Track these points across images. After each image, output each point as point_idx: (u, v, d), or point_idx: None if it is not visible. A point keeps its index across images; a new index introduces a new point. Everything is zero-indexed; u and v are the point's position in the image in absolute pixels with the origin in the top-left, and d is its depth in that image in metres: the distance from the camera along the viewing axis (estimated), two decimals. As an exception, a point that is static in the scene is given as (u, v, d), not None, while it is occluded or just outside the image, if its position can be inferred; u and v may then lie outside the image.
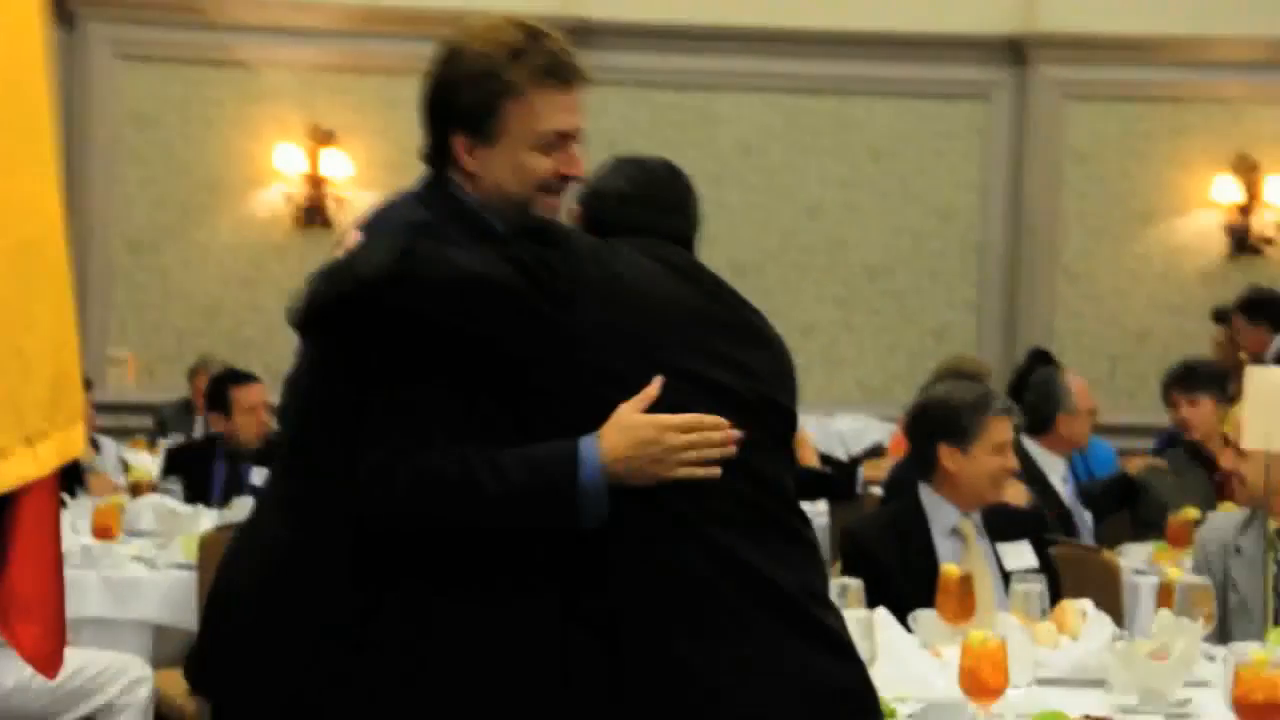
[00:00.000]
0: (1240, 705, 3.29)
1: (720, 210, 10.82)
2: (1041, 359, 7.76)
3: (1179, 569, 4.40)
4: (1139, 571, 5.52)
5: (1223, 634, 4.26)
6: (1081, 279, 10.82)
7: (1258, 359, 7.34)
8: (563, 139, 2.68)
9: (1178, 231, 10.77)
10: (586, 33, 10.57)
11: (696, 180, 10.77)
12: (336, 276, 2.55)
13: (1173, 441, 7.32)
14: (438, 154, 2.70)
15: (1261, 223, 10.59)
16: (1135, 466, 7.38)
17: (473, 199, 2.68)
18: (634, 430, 2.52)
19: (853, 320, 10.86)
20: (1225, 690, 3.32)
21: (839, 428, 10.12)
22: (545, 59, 2.66)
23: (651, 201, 2.86)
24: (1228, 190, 10.63)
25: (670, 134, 10.77)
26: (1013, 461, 4.35)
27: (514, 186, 2.66)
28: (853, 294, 10.82)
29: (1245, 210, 10.62)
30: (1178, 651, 3.58)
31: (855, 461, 8.39)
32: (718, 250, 10.82)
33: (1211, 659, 3.77)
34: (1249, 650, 3.46)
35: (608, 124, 10.78)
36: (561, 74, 2.67)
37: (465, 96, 2.65)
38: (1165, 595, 4.17)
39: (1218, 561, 4.47)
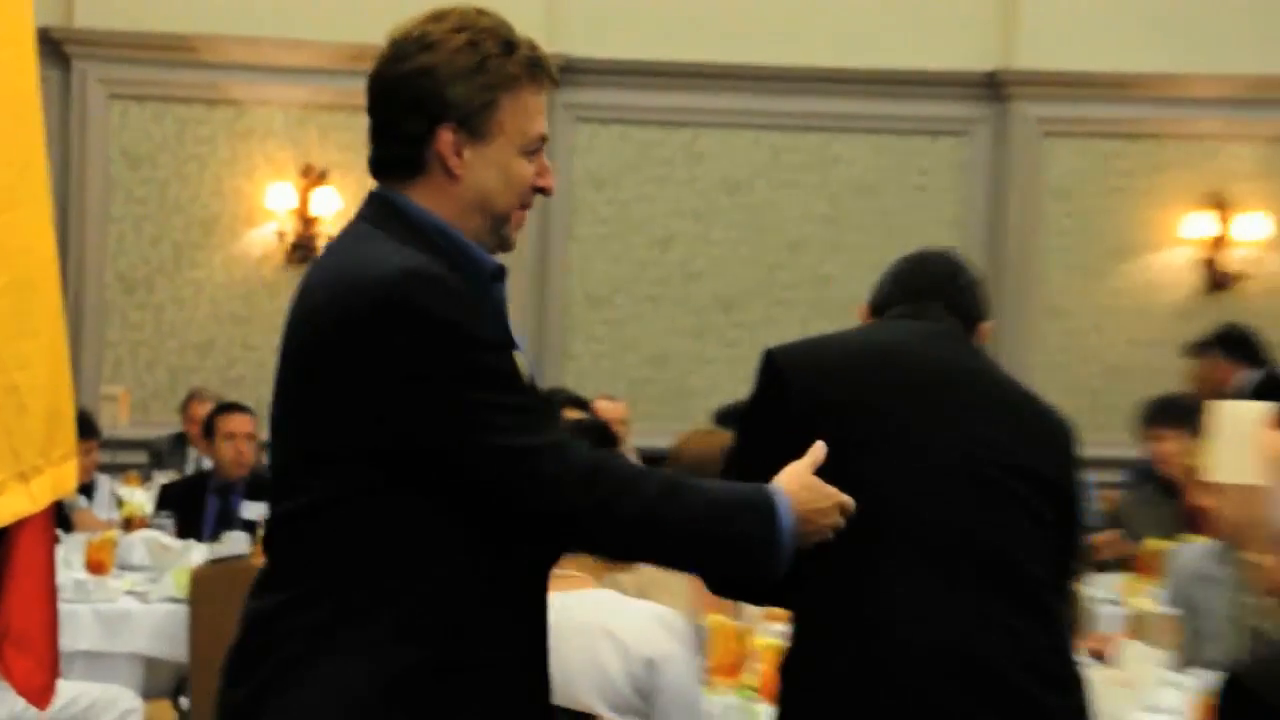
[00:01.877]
0: (1199, 730, 3.36)
1: (705, 245, 10.90)
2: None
3: (1147, 599, 4.45)
4: (1107, 601, 5.57)
5: (1189, 661, 4.33)
6: (1059, 314, 10.88)
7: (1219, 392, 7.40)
8: (541, 146, 2.47)
9: (1152, 267, 10.84)
10: (571, 70, 10.65)
11: (682, 217, 10.98)
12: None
13: (1146, 475, 7.38)
14: (411, 156, 2.40)
15: (1232, 259, 10.67)
16: (1111, 500, 7.45)
17: (439, 222, 2.40)
18: (816, 492, 2.44)
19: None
20: (1188, 717, 3.39)
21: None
22: (532, 54, 2.46)
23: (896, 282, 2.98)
24: (1201, 227, 10.71)
25: (656, 171, 10.85)
26: None
27: (500, 193, 2.42)
28: (837, 328, 10.82)
29: (1217, 246, 10.69)
30: (1139, 678, 3.65)
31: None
32: (703, 285, 10.93)
33: (1175, 687, 3.84)
34: (1210, 677, 3.52)
35: (594, 161, 10.87)
36: (548, 73, 2.49)
37: (459, 87, 2.38)
38: (1133, 624, 4.25)
39: (1189, 590, 4.53)
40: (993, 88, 10.78)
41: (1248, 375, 8.33)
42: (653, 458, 8.03)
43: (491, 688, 2.34)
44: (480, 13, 2.43)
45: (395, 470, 2.29)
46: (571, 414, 5.86)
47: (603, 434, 3.36)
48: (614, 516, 2.31)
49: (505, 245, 2.47)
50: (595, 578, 3.25)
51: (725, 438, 4.36)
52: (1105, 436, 9.85)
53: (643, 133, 10.85)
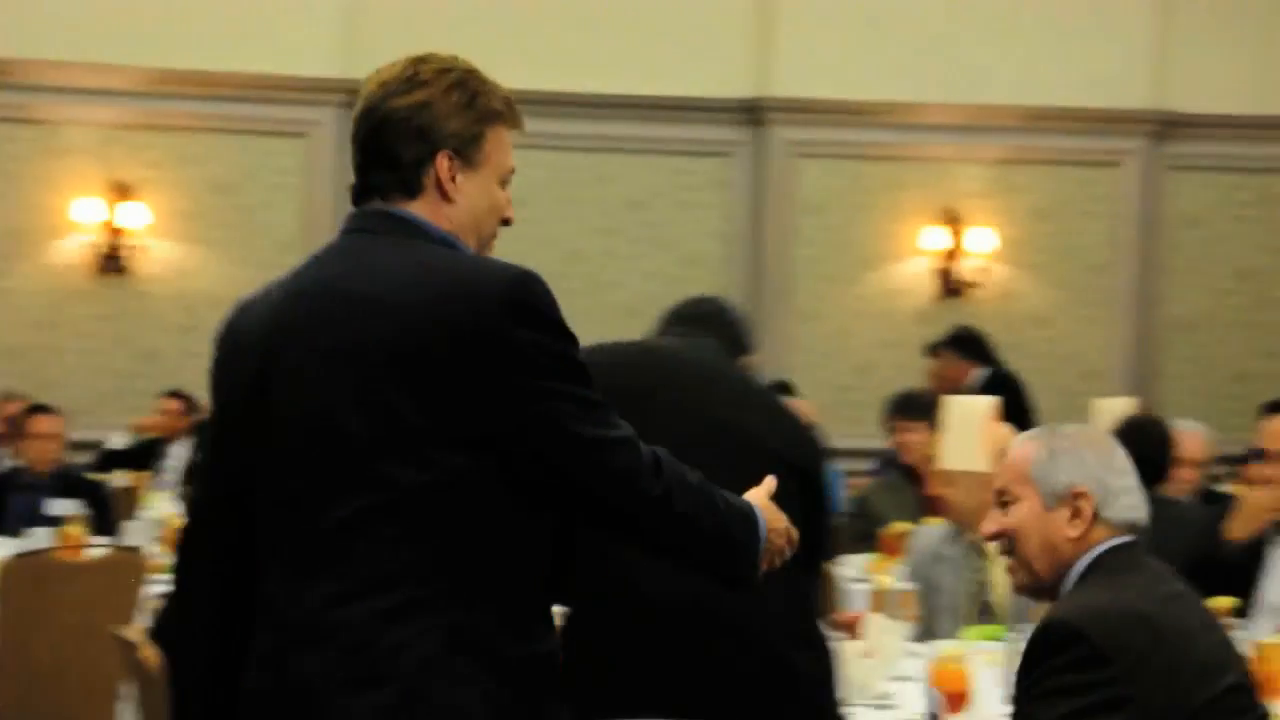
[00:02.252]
0: (945, 695, 3.40)
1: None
2: (781, 389, 7.91)
3: (889, 576, 4.51)
4: (855, 579, 5.64)
5: (927, 633, 4.40)
6: (812, 318, 11.02)
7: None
8: (509, 178, 2.49)
9: (894, 276, 11.04)
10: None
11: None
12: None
13: (890, 463, 7.51)
14: (409, 180, 2.38)
15: (964, 269, 10.92)
16: (858, 487, 7.56)
17: (453, 238, 2.40)
18: (776, 515, 2.45)
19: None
20: (924, 682, 3.43)
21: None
22: (507, 95, 2.48)
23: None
24: (936, 239, 10.94)
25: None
26: None
27: (486, 217, 2.44)
28: (612, 332, 10.81)
29: (951, 257, 10.93)
30: (883, 649, 3.69)
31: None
32: (489, 293, 10.86)
33: (915, 655, 3.89)
34: (944, 647, 3.58)
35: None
36: (518, 114, 2.50)
37: (456, 119, 2.40)
38: (877, 600, 4.30)
39: (926, 568, 4.60)
40: (751, 113, 10.89)
41: (978, 373, 8.54)
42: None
43: (557, 676, 2.35)
44: (454, 58, 2.45)
45: (489, 461, 2.25)
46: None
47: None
48: (670, 509, 2.32)
49: None
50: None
51: None
52: (854, 429, 10.02)
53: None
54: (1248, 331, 10.99)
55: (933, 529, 4.76)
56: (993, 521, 2.83)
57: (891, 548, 5.78)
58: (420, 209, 2.39)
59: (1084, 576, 2.73)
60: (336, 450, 2.28)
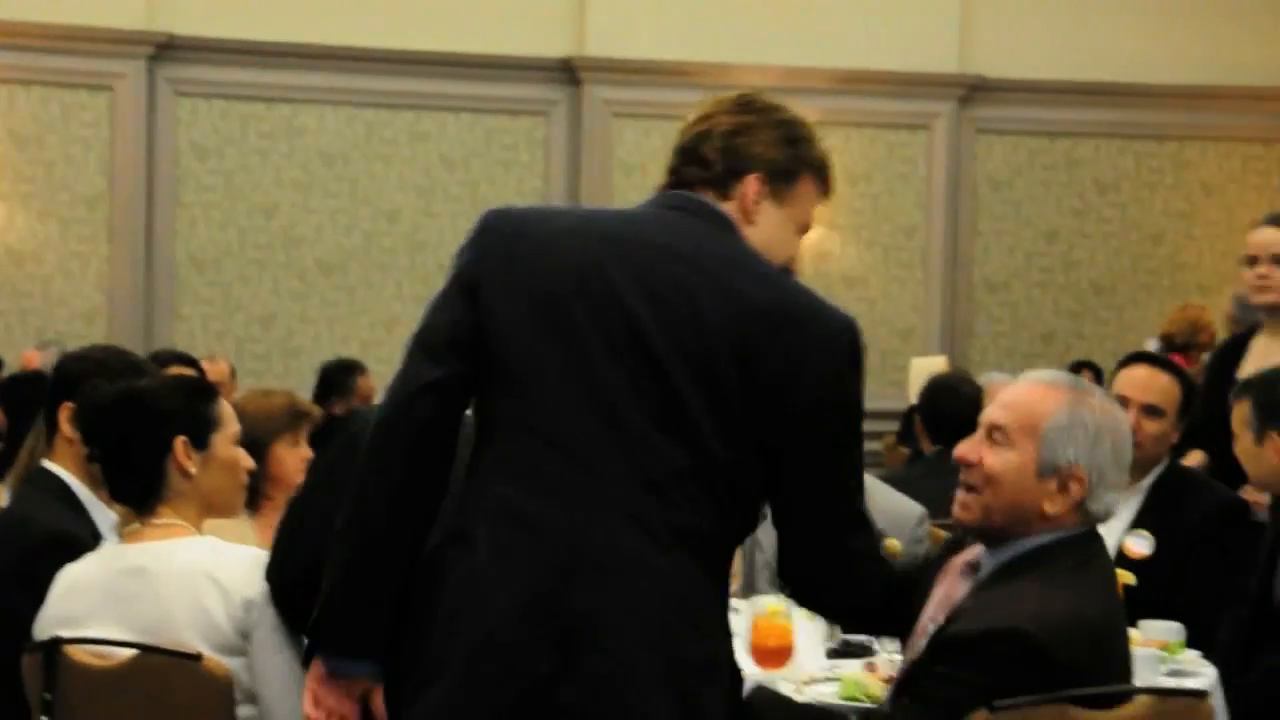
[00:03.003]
0: (756, 650, 3.41)
1: (306, 214, 10.64)
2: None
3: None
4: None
5: (749, 589, 4.40)
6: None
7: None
8: (803, 235, 2.62)
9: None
10: (174, 47, 10.25)
11: (284, 187, 10.60)
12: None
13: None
14: (709, 179, 2.52)
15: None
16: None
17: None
18: None
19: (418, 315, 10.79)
20: (745, 638, 3.43)
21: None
22: (825, 155, 2.62)
23: None
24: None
25: (259, 144, 10.53)
26: None
27: (776, 252, 2.54)
28: (431, 291, 10.65)
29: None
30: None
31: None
32: (305, 251, 10.67)
33: (736, 611, 3.89)
34: (765, 602, 3.58)
35: (197, 134, 10.49)
36: (830, 180, 2.63)
37: (775, 151, 2.54)
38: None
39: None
40: (568, 72, 10.82)
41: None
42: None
43: None
44: (793, 112, 2.61)
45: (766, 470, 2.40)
46: (179, 371, 5.62)
47: (203, 388, 3.21)
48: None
49: None
50: (195, 527, 3.10)
51: (283, 398, 4.26)
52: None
53: (246, 108, 10.51)
54: (1055, 291, 11.25)
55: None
56: (974, 450, 2.66)
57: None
58: (729, 213, 2.51)
59: (1039, 556, 2.61)
60: (656, 392, 2.35)
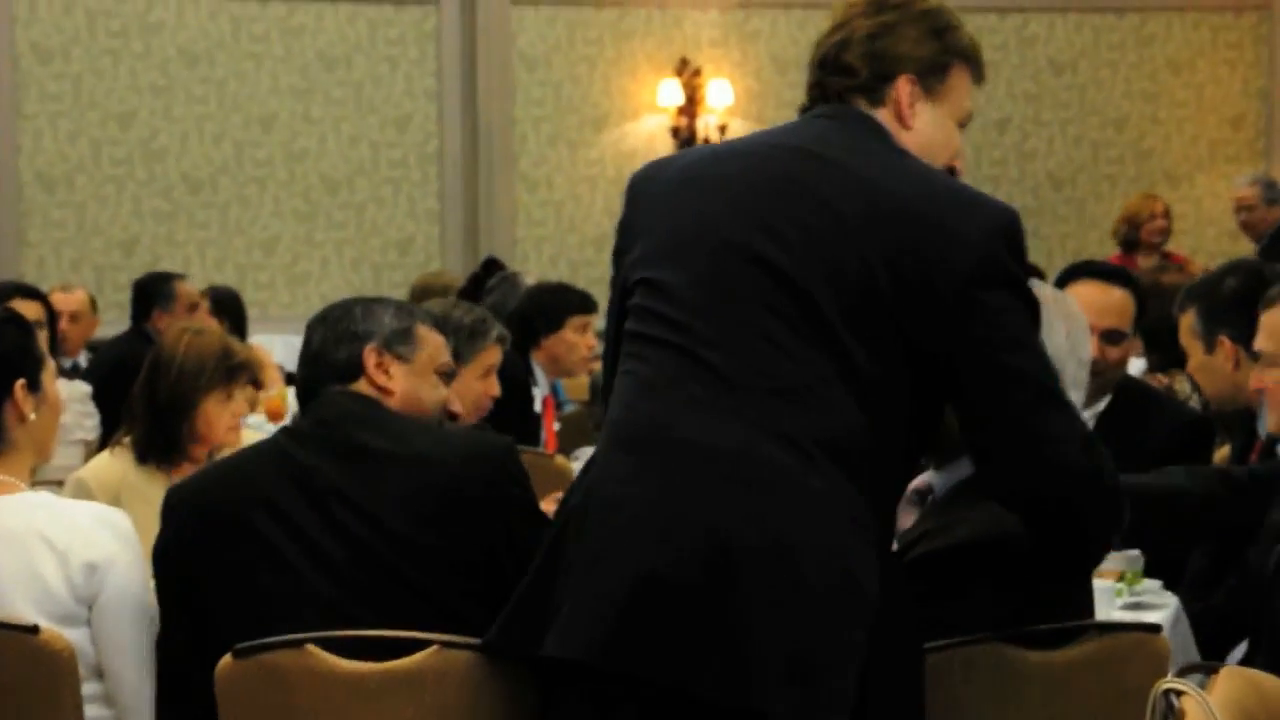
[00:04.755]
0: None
1: (168, 123, 10.48)
2: (494, 267, 7.83)
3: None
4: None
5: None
6: (540, 186, 10.95)
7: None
8: (964, 128, 2.72)
9: (629, 136, 11.02)
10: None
11: (138, 93, 10.47)
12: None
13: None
14: (857, 86, 2.62)
15: (705, 126, 10.95)
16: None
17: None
18: None
19: (314, 235, 10.71)
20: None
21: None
22: (972, 38, 2.71)
23: None
24: (670, 94, 10.93)
25: (109, 43, 10.35)
26: (496, 388, 4.36)
27: (939, 153, 2.66)
28: (313, 207, 10.67)
29: (689, 114, 10.94)
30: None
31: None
32: (169, 164, 10.51)
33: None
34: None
35: (37, 32, 10.28)
36: (982, 64, 2.73)
37: (922, 47, 2.64)
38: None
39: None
40: (459, -46, 10.70)
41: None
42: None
43: None
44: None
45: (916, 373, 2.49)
46: (23, 306, 5.52)
47: (24, 322, 3.14)
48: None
49: None
50: (26, 481, 3.04)
51: (216, 342, 4.15)
52: (586, 306, 10.02)
53: (92, 1, 10.31)
54: (1007, 186, 11.28)
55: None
56: None
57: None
58: (884, 119, 2.62)
59: None
60: (807, 304, 2.46)
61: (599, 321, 8.32)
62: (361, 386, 3.01)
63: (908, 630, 2.50)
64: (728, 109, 10.92)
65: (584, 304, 6.29)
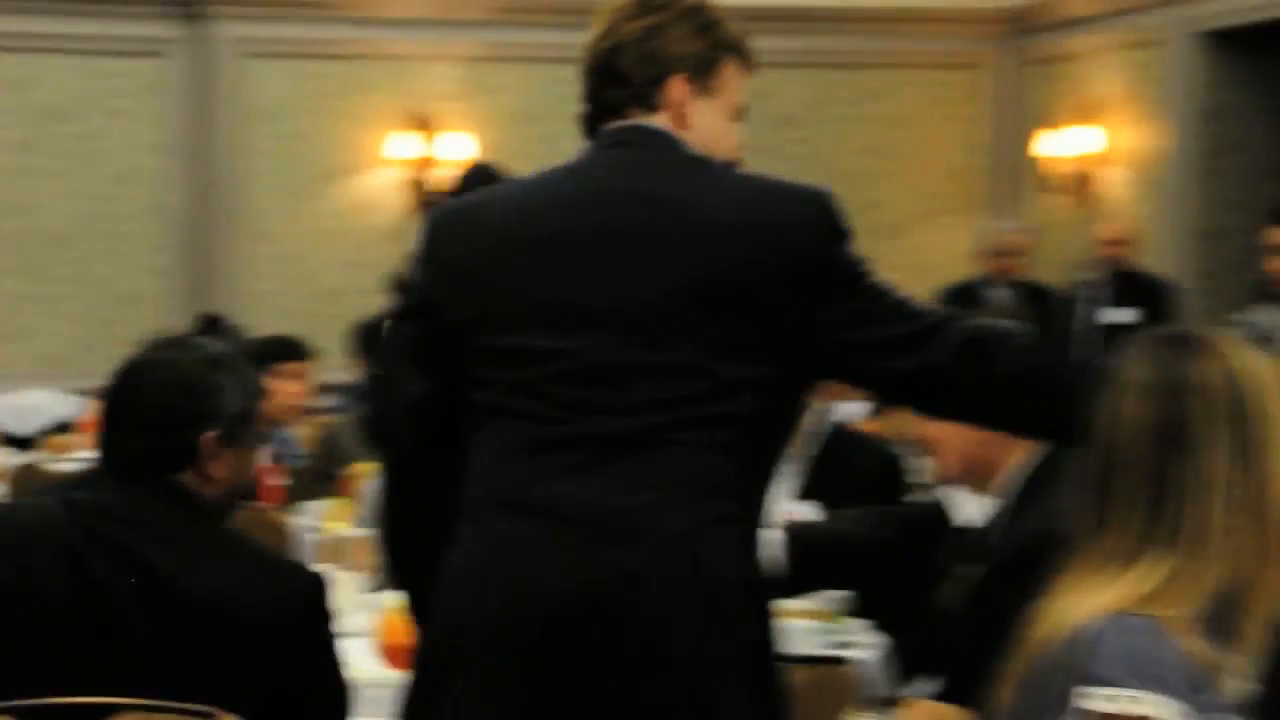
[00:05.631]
0: (386, 648, 3.50)
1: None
2: (212, 325, 7.82)
3: (342, 523, 4.56)
4: (310, 529, 5.66)
5: (387, 582, 4.48)
6: (270, 239, 10.92)
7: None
8: (741, 119, 2.69)
9: (361, 189, 11.05)
10: None
11: None
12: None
13: (360, 397, 7.54)
14: (647, 96, 2.61)
15: (438, 179, 11.03)
16: (323, 425, 7.58)
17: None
18: None
19: (36, 290, 10.55)
20: (375, 636, 3.52)
21: (25, 403, 9.85)
22: (741, 29, 2.68)
23: None
24: (406, 147, 11.00)
25: None
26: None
27: (717, 150, 2.63)
28: (33, 263, 10.52)
29: (423, 166, 11.02)
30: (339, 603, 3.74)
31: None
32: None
33: (369, 608, 3.97)
34: (395, 597, 3.66)
35: None
36: (750, 54, 2.70)
37: (691, 44, 2.61)
38: (327, 550, 4.36)
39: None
40: (188, 6, 10.65)
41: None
42: None
43: None
44: None
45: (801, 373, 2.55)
46: None
47: None
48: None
49: None
50: None
51: None
52: (320, 361, 10.02)
53: None
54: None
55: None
56: None
57: (350, 491, 5.83)
58: (663, 124, 2.61)
59: None
60: (663, 348, 2.49)
61: (318, 370, 8.40)
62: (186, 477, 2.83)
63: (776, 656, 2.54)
64: (465, 163, 11.01)
65: (285, 351, 6.32)
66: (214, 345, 3.02)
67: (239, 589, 2.73)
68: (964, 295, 9.04)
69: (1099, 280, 9.71)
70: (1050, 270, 10.81)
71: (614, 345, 2.51)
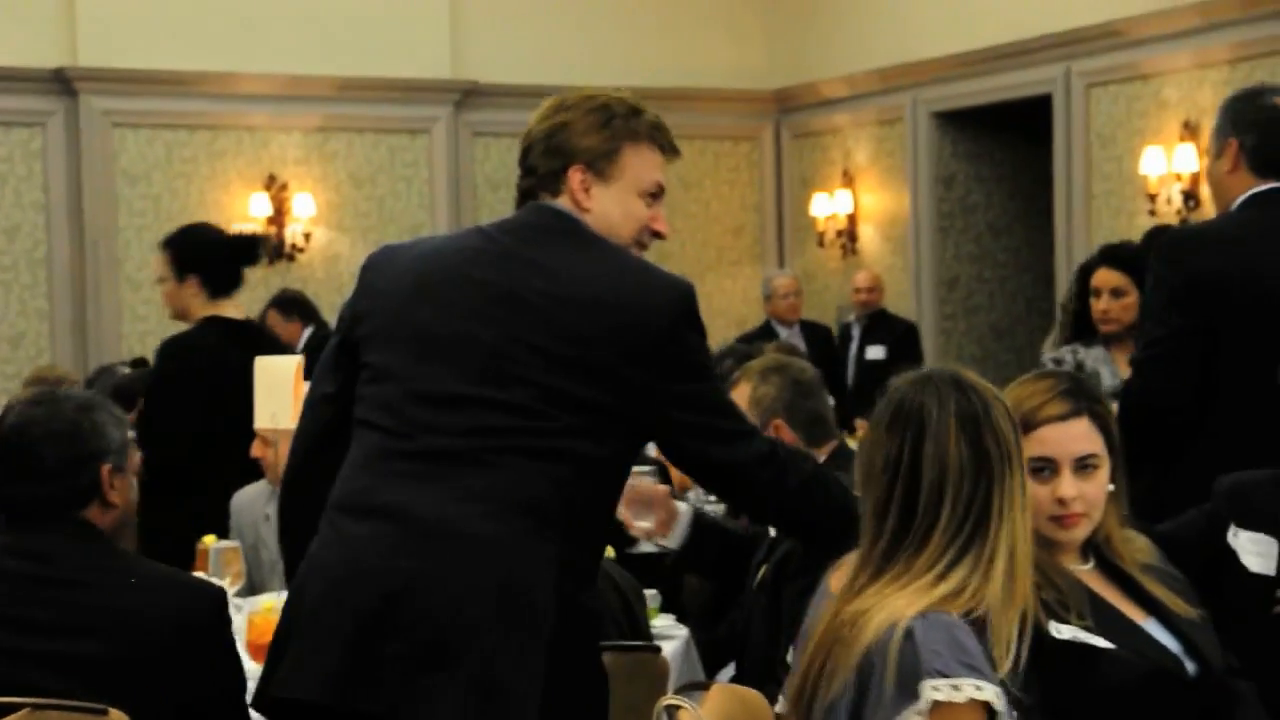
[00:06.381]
0: (252, 647, 3.41)
1: None
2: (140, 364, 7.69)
3: (212, 536, 4.43)
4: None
5: (254, 588, 4.38)
6: (143, 286, 10.65)
7: (289, 348, 7.55)
8: (658, 194, 2.69)
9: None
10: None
11: None
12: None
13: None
14: (541, 184, 2.66)
15: (292, 234, 10.88)
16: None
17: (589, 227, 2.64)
18: None
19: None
20: (242, 636, 3.43)
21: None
22: (656, 122, 2.70)
23: None
24: (261, 206, 10.83)
25: None
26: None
27: (620, 228, 2.64)
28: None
29: (278, 223, 10.86)
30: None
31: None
32: None
33: (238, 609, 3.88)
34: (262, 601, 3.59)
35: None
36: (666, 139, 2.72)
37: (589, 138, 2.64)
38: (201, 559, 4.24)
39: (250, 528, 4.57)
40: (61, 82, 10.38)
41: (309, 330, 8.67)
42: None
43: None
44: (620, 91, 2.73)
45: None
46: None
47: None
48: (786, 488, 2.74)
49: None
50: None
51: None
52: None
53: None
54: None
55: (255, 490, 4.70)
56: None
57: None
58: (567, 206, 2.64)
59: None
60: (510, 386, 2.50)
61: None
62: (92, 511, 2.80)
63: (588, 655, 2.53)
64: (311, 219, 10.90)
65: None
66: (77, 393, 3.00)
67: (150, 606, 2.69)
68: (762, 334, 9.19)
69: (856, 320, 9.89)
70: (823, 312, 10.99)
71: (454, 376, 2.52)
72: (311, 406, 2.75)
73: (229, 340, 5.07)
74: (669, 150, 2.73)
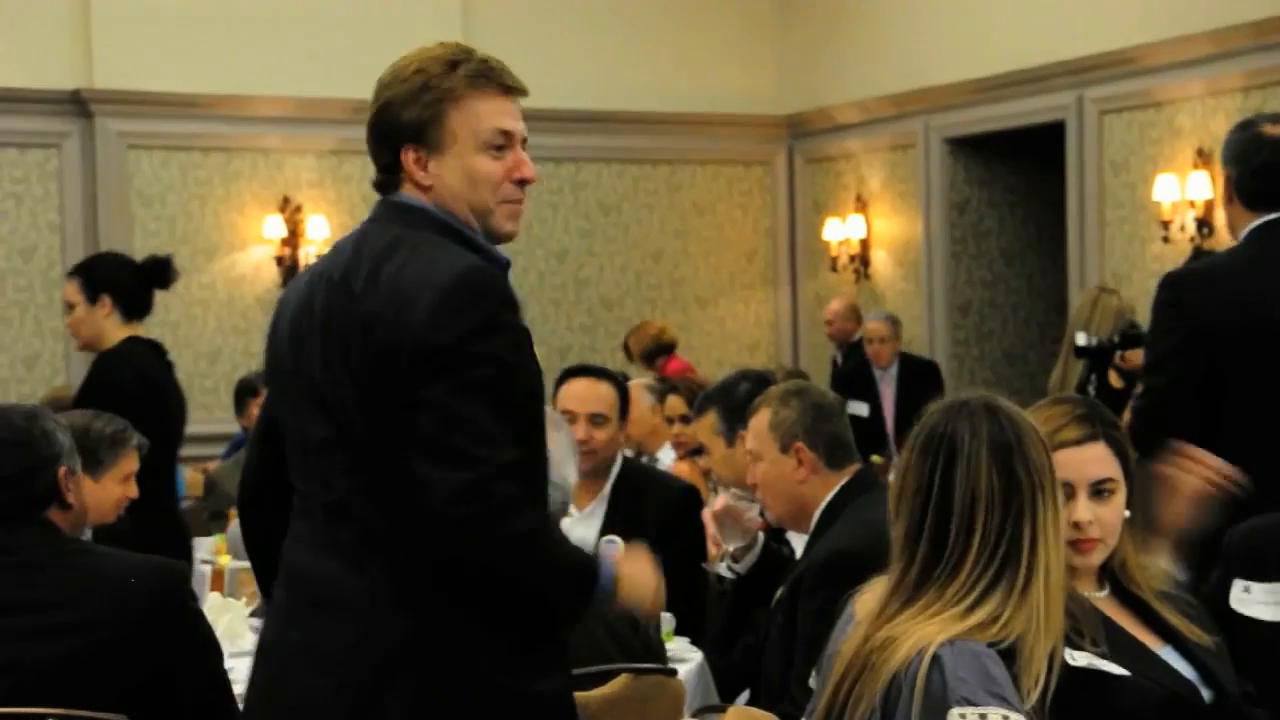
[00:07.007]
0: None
1: None
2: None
3: (228, 557, 4.47)
4: (204, 561, 5.57)
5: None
6: (157, 308, 10.32)
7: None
8: (508, 140, 2.43)
9: (238, 265, 10.90)
10: None
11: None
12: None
13: (240, 445, 7.45)
14: (390, 176, 2.46)
15: (306, 255, 10.91)
16: (211, 469, 7.45)
17: (434, 208, 2.43)
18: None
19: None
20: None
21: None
22: (479, 66, 2.44)
23: None
24: (276, 228, 10.88)
25: None
26: (134, 490, 4.26)
27: (470, 193, 2.42)
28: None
29: (291, 245, 10.90)
30: (222, 626, 3.68)
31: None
32: None
33: (256, 631, 3.90)
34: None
35: None
36: (496, 78, 2.44)
37: (409, 111, 2.41)
38: (217, 580, 4.27)
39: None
40: (78, 105, 10.44)
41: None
42: None
43: None
44: (437, 45, 2.48)
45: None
46: None
47: None
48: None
49: (497, 237, 2.49)
50: None
51: None
52: (205, 414, 9.86)
53: None
54: (567, 308, 11.56)
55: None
56: None
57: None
58: (413, 195, 2.44)
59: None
60: (323, 419, 2.39)
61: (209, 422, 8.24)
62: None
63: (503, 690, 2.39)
64: (325, 241, 10.93)
65: None
66: (20, 404, 3.12)
67: (120, 575, 2.80)
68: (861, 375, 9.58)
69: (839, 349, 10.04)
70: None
71: (314, 420, 2.39)
72: (257, 424, 2.70)
73: (158, 358, 5.00)
74: (507, 89, 2.45)
